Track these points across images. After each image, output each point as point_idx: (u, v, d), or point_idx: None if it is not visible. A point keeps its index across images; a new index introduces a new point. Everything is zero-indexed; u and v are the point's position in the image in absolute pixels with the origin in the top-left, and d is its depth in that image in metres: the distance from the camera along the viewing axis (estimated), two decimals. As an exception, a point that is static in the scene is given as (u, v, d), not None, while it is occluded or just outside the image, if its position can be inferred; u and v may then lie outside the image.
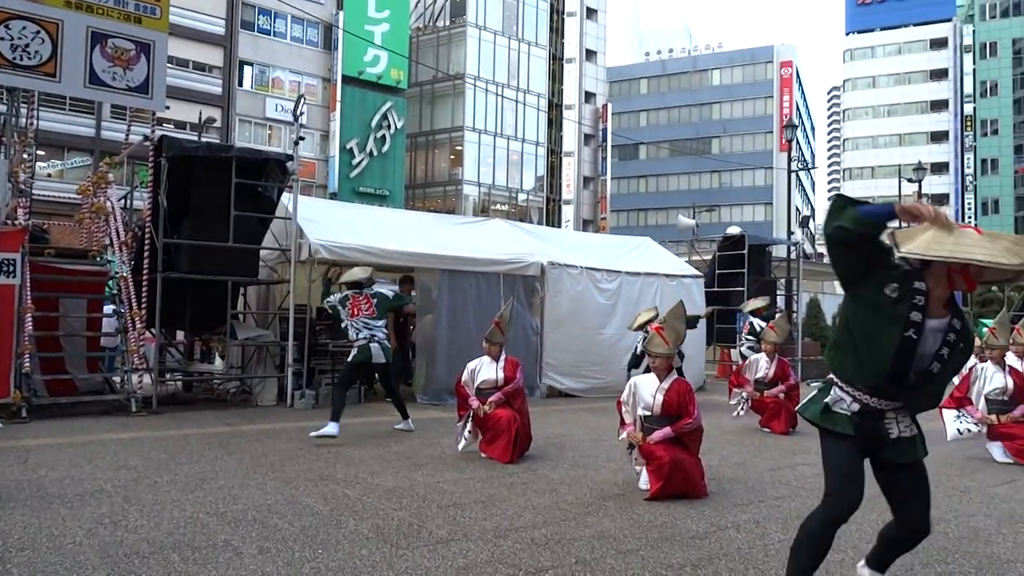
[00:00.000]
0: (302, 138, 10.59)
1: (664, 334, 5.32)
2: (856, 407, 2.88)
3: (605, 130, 54.52)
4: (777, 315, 10.80)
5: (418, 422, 8.24)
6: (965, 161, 67.56)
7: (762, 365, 8.84)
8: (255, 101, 33.95)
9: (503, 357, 6.64)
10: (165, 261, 8.90)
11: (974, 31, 70.42)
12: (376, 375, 8.17)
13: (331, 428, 6.78)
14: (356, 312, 7.44)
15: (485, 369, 6.57)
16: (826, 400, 2.94)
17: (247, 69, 33.93)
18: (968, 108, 68.64)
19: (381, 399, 10.21)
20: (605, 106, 55.49)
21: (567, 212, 50.43)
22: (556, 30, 49.63)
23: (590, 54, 54.71)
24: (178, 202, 9.10)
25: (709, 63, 67.13)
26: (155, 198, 8.92)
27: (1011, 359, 7.68)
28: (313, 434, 6.78)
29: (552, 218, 47.12)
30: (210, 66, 32.55)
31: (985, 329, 8.75)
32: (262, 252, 9.97)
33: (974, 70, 69.86)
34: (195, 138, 12.51)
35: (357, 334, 7.38)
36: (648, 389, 5.32)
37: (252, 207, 9.41)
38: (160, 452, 6.24)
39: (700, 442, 5.41)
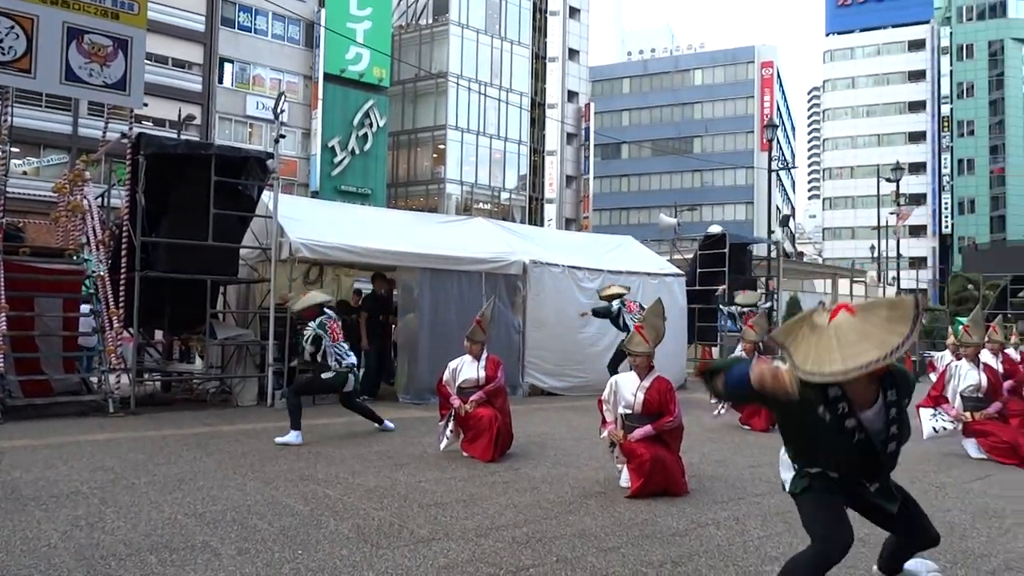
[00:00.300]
0: (283, 136, 10.51)
1: (644, 332, 5.35)
2: (834, 475, 2.87)
3: (588, 129, 54.61)
4: (751, 294, 10.88)
5: (400, 421, 8.23)
6: (942, 161, 68.41)
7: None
8: (235, 99, 33.67)
9: (484, 356, 6.62)
10: (143, 260, 8.80)
11: (951, 33, 71.31)
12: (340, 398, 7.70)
13: (293, 437, 6.72)
14: (336, 337, 7.22)
15: (466, 368, 6.55)
16: (804, 474, 2.90)
17: (227, 66, 33.64)
18: (945, 109, 69.51)
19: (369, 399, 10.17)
20: (588, 105, 55.59)
21: (550, 211, 50.48)
22: (539, 29, 49.65)
23: (573, 53, 54.79)
24: (157, 200, 8.99)
25: (691, 63, 67.51)
26: (133, 196, 8.82)
27: (986, 356, 7.80)
28: (279, 440, 6.71)
29: (535, 217, 47.14)
30: (190, 63, 32.24)
31: (960, 327, 8.88)
32: (242, 251, 9.88)
33: (951, 71, 70.75)
34: (174, 135, 12.38)
35: (341, 361, 7.16)
36: (629, 387, 5.34)
37: (232, 205, 9.32)
38: (138, 453, 6.17)
39: (680, 440, 5.44)
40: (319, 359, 7.14)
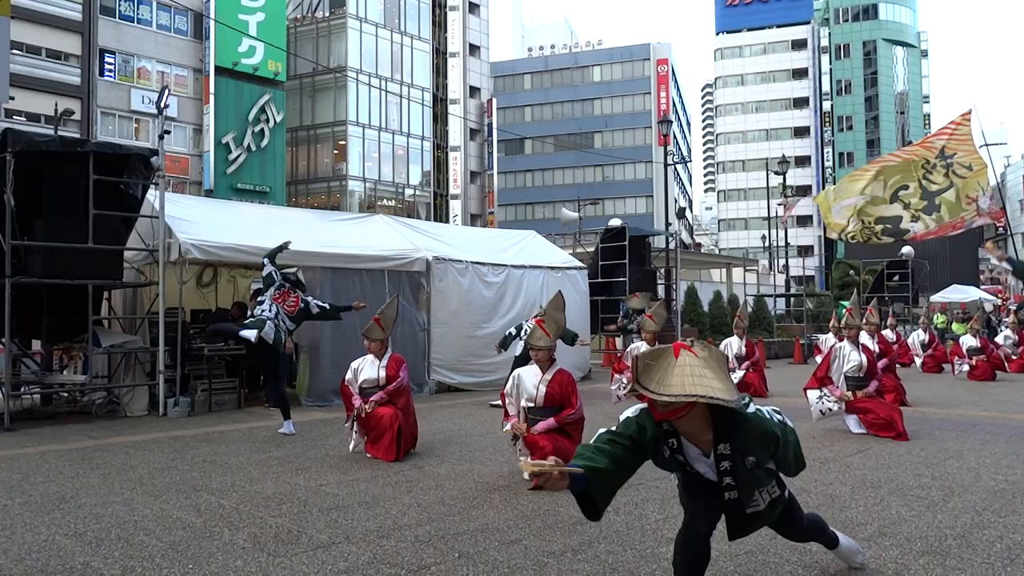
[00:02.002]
0: (167, 131, 10.05)
1: (545, 326, 5.41)
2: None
3: (491, 125, 54.79)
4: (646, 297, 11.21)
5: (302, 424, 8.02)
6: (824, 155, 72.58)
7: (642, 349, 9.13)
8: (119, 92, 31.86)
9: (387, 355, 6.52)
10: (15, 265, 8.20)
11: (830, 33, 75.69)
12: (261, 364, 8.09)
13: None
14: (282, 301, 7.71)
15: (367, 368, 6.45)
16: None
17: (109, 58, 31.75)
18: (826, 105, 73.74)
19: (261, 402, 9.86)
20: (490, 101, 55.77)
21: (455, 207, 50.38)
22: (439, 24, 49.40)
23: (473, 48, 54.79)
24: (30, 201, 8.40)
25: (589, 60, 68.76)
26: (0, 197, 8.20)
27: (864, 337, 8.32)
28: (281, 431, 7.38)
29: (440, 213, 46.96)
30: (67, 54, 30.28)
31: (843, 310, 9.46)
32: (127, 253, 9.37)
33: (831, 70, 75.11)
34: (50, 131, 11.59)
35: (266, 311, 7.61)
36: (531, 380, 5.40)
37: (114, 205, 8.81)
38: (12, 472, 5.75)
39: (582, 431, 5.54)
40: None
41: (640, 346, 9.26)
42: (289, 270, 8.06)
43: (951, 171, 7.88)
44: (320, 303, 8.06)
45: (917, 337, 16.54)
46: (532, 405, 5.38)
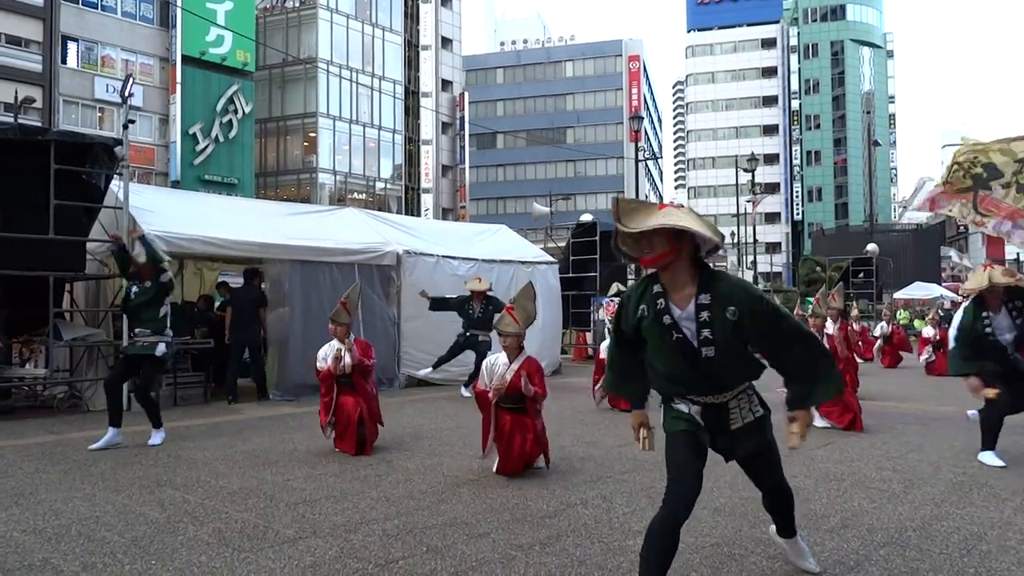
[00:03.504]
0: (132, 121, 9.81)
1: (514, 314, 5.41)
2: (696, 408, 2.97)
3: (463, 119, 54.62)
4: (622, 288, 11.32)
5: (270, 419, 7.94)
6: (793, 152, 73.57)
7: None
8: (82, 80, 31.15)
9: (351, 340, 6.41)
10: (-28, 256, 7.99)
11: (799, 33, 76.66)
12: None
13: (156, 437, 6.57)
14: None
15: (330, 359, 6.35)
16: (673, 406, 3.03)
17: (71, 45, 31.01)
18: (795, 104, 74.72)
19: (228, 398, 9.73)
20: (462, 95, 55.58)
21: (426, 200, 50.18)
22: (411, 16, 49.07)
23: (446, 42, 54.52)
24: (-13, 190, 8.18)
25: (562, 55, 68.86)
26: (-43, 186, 7.97)
27: (828, 326, 8.46)
28: (151, 442, 6.49)
29: (411, 207, 46.72)
30: (27, 40, 29.52)
31: (809, 305, 9.65)
32: (89, 245, 9.17)
33: (799, 69, 76.10)
34: (10, 119, 11.28)
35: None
36: (501, 369, 5.39)
37: (76, 196, 8.60)
38: (-31, 468, 5.61)
39: (540, 415, 5.55)
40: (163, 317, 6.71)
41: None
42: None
43: (976, 162, 7.72)
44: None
45: (881, 328, 16.98)
46: (503, 393, 5.37)
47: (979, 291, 5.72)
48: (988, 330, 5.62)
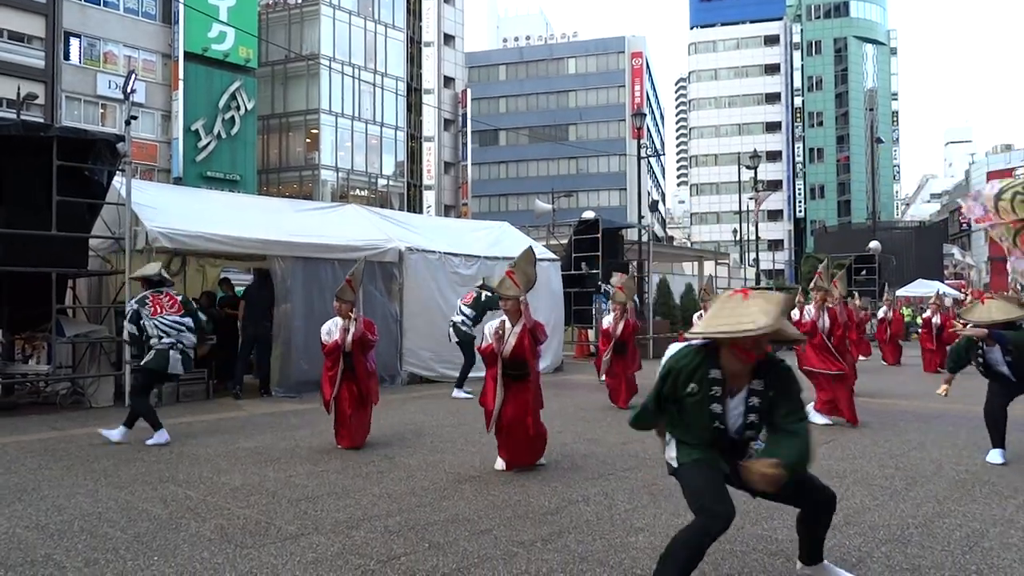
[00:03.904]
0: (134, 117, 9.82)
1: (515, 277, 5.42)
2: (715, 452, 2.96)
3: (465, 115, 54.55)
4: (624, 277, 11.32)
5: (273, 415, 7.96)
6: (795, 150, 73.38)
7: (611, 321, 9.15)
8: (85, 77, 31.14)
9: (358, 319, 6.40)
10: (-25, 252, 8.00)
11: (802, 30, 76.45)
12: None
13: (161, 436, 6.43)
14: (158, 310, 6.71)
15: (336, 331, 6.35)
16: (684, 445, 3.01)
17: (74, 41, 30.99)
18: (797, 101, 74.54)
19: (231, 395, 9.75)
20: (464, 91, 55.50)
21: (428, 197, 50.12)
22: (413, 12, 48.99)
23: (448, 38, 54.43)
24: (-10, 186, 8.19)
25: (565, 52, 68.70)
26: (-40, 182, 7.98)
27: (809, 311, 8.38)
28: (149, 442, 6.38)
29: (413, 204, 46.69)
30: (30, 36, 29.50)
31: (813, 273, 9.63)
32: (92, 241, 9.18)
33: (802, 66, 75.90)
34: (13, 115, 11.29)
35: (160, 339, 6.62)
36: (504, 333, 5.38)
37: (78, 192, 8.62)
38: (-28, 464, 5.62)
39: (540, 394, 5.58)
40: (141, 338, 6.67)
41: (610, 317, 9.27)
42: (148, 272, 7.03)
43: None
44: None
45: (883, 311, 17.16)
46: (506, 358, 5.36)
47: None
48: (980, 360, 5.73)
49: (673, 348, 3.11)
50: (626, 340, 9.00)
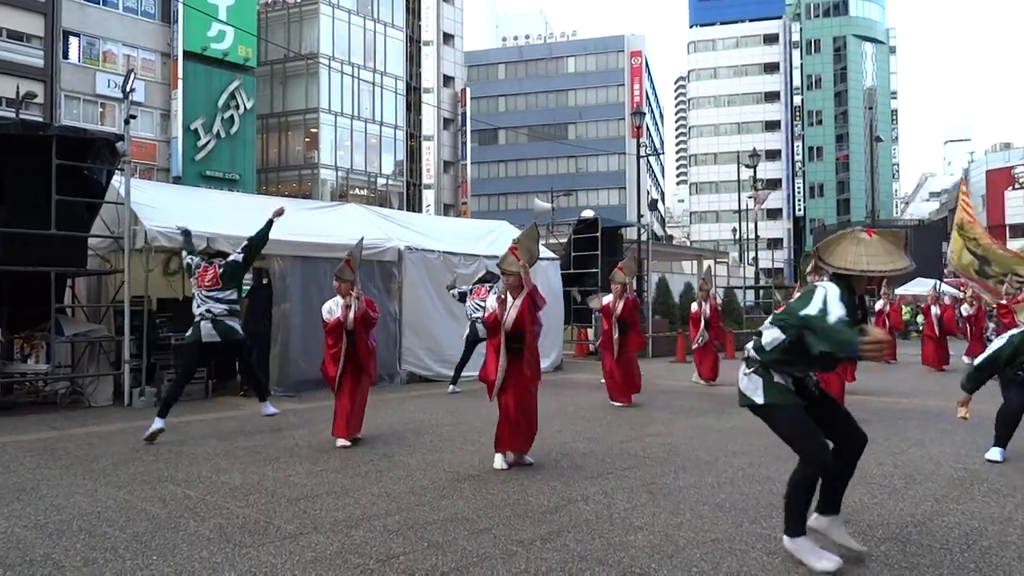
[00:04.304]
0: (134, 116, 9.82)
1: (517, 253, 5.46)
2: (790, 380, 3.49)
3: (464, 114, 54.52)
4: (628, 259, 11.38)
5: (272, 415, 7.94)
6: (795, 149, 73.38)
7: (610, 299, 9.19)
8: (84, 76, 31.12)
9: (359, 298, 6.43)
10: (-26, 252, 7.99)
11: (801, 28, 76.40)
12: (227, 357, 7.55)
13: (157, 423, 6.43)
14: (200, 282, 7.08)
15: (336, 310, 6.42)
16: (775, 381, 3.47)
17: (73, 40, 30.97)
18: (796, 99, 74.52)
19: (230, 393, 9.76)
20: (464, 90, 55.47)
21: (428, 197, 50.10)
22: (413, 11, 48.95)
23: (448, 37, 54.40)
24: (-11, 186, 8.19)
25: (564, 50, 68.66)
26: (-41, 181, 7.98)
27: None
28: (146, 436, 6.38)
29: (413, 203, 46.67)
30: (29, 35, 29.47)
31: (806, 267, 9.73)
32: (91, 240, 9.18)
33: (801, 65, 75.87)
34: (11, 114, 11.28)
35: (195, 308, 7.01)
36: (506, 307, 5.45)
37: (78, 191, 8.62)
38: (-29, 463, 5.62)
39: (539, 371, 5.63)
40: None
41: (608, 296, 9.31)
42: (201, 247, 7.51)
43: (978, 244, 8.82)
44: (240, 250, 7.47)
45: (880, 303, 17.22)
46: (507, 331, 5.40)
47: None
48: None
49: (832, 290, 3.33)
50: (627, 318, 9.09)
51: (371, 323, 6.50)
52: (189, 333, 7.04)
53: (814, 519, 3.60)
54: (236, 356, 7.31)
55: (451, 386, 10.18)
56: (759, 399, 3.48)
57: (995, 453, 5.74)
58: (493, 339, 5.54)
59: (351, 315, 6.30)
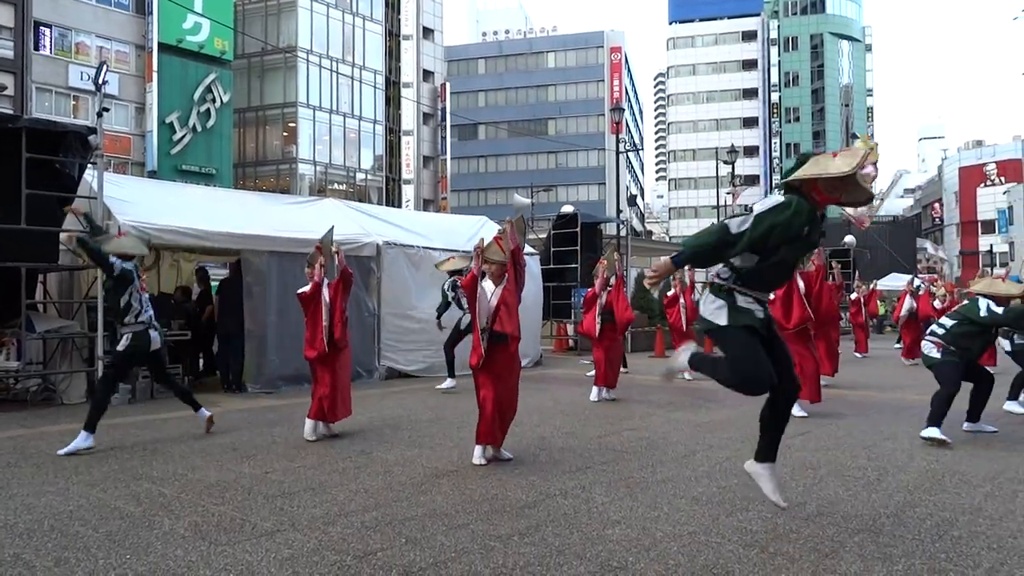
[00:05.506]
0: (107, 109, 9.65)
1: (502, 244, 5.46)
2: (759, 306, 3.70)
3: (444, 109, 54.33)
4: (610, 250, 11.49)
5: (248, 411, 7.89)
6: (772, 145, 74.03)
7: (596, 287, 9.28)
8: (56, 68, 30.59)
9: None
10: (-59, 246, 7.83)
11: (779, 26, 77.02)
12: (149, 365, 6.75)
13: (82, 440, 5.81)
14: (143, 286, 6.42)
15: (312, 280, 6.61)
16: (739, 305, 3.65)
17: (45, 31, 30.42)
18: (775, 97, 75.15)
19: (209, 388, 9.66)
20: (444, 85, 55.27)
21: (407, 192, 49.92)
22: (392, 5, 48.65)
23: (427, 32, 54.17)
24: (-44, 179, 8.02)
25: (544, 46, 68.67)
26: (-75, 175, 7.80)
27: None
28: (61, 452, 5.74)
29: (392, 198, 46.46)
30: (-1, 26, 28.93)
31: None
32: (62, 235, 9.02)
33: (779, 62, 76.51)
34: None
35: (137, 316, 6.19)
36: (487, 294, 5.46)
37: (49, 185, 8.46)
38: (-61, 462, 5.51)
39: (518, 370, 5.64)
40: (123, 308, 6.14)
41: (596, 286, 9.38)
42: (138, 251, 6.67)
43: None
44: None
45: (857, 292, 17.62)
46: (486, 326, 5.39)
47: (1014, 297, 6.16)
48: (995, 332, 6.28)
49: (770, 200, 3.65)
50: (611, 307, 9.17)
51: (348, 283, 6.63)
52: (132, 342, 6.18)
53: (749, 464, 3.98)
54: (158, 364, 6.68)
55: (448, 380, 9.87)
56: (721, 321, 3.65)
57: (930, 432, 6.07)
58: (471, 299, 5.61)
59: (327, 279, 6.48)
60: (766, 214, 3.52)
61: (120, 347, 6.23)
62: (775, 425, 3.87)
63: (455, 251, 12.15)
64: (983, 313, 6.15)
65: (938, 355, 6.32)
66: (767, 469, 3.92)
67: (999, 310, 6.14)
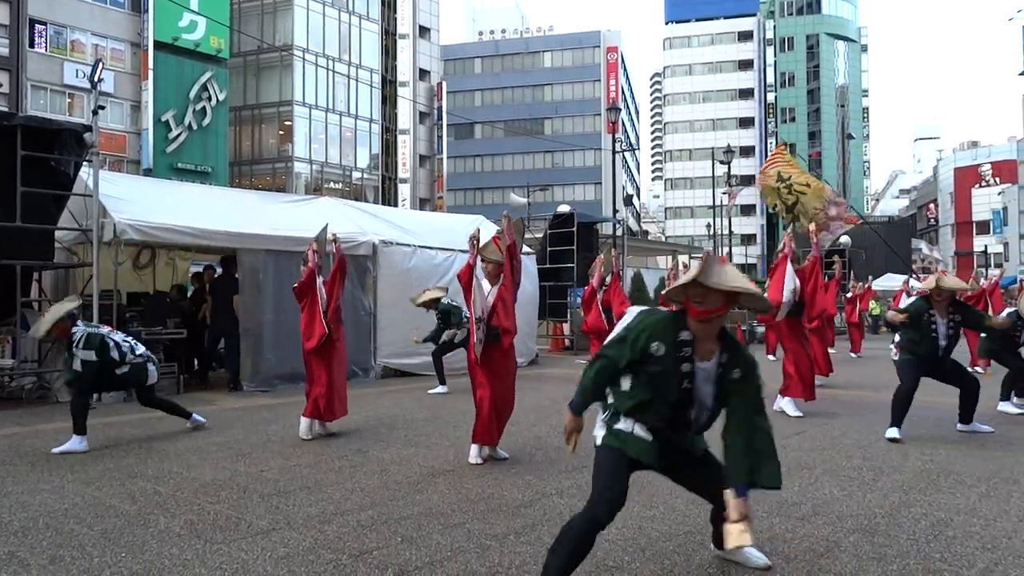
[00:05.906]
0: (102, 107, 9.63)
1: (500, 244, 5.51)
2: (646, 429, 3.06)
3: (440, 109, 54.28)
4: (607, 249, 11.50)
5: (244, 410, 7.87)
6: (768, 145, 74.10)
7: (595, 282, 9.32)
8: (51, 65, 30.46)
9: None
10: (-64, 244, 7.80)
11: (775, 26, 77.18)
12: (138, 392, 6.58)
13: (76, 443, 5.80)
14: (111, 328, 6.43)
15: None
16: (616, 427, 3.11)
17: (40, 29, 30.29)
18: (771, 97, 75.30)
19: (202, 388, 9.65)
20: (440, 84, 55.22)
21: (404, 191, 49.86)
22: (388, 4, 48.60)
23: (424, 31, 54.08)
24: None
25: (540, 45, 68.67)
26: (-80, 172, 7.78)
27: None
28: (56, 450, 5.78)
29: (388, 197, 46.41)
30: (-7, 24, 28.79)
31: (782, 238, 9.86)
32: (58, 233, 9.01)
33: (775, 62, 76.68)
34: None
35: (134, 351, 6.20)
36: (484, 292, 5.51)
37: (44, 183, 8.44)
38: (-67, 460, 5.49)
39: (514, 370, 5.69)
40: (118, 360, 6.10)
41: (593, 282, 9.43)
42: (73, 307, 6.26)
43: (792, 189, 9.42)
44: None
45: (850, 293, 17.76)
46: (480, 319, 5.41)
47: (928, 292, 6.34)
48: (932, 327, 6.26)
49: (634, 311, 3.15)
50: (610, 303, 9.21)
51: (344, 272, 6.67)
52: (129, 373, 6.17)
53: (713, 549, 3.48)
54: (148, 391, 6.48)
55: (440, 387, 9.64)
56: (597, 440, 3.24)
57: (892, 431, 6.28)
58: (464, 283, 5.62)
59: (321, 277, 6.51)
60: None
61: (118, 371, 6.13)
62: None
63: (451, 250, 12.17)
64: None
65: (896, 357, 6.66)
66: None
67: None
